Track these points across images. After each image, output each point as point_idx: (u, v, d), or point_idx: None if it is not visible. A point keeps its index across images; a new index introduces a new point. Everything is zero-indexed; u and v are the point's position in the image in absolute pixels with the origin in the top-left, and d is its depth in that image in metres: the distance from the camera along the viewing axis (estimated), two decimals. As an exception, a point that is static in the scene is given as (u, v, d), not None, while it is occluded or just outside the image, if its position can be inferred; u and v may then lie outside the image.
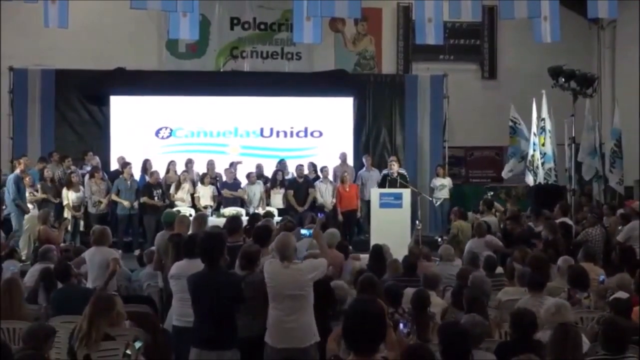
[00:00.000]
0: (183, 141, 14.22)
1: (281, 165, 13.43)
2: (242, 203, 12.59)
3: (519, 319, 4.79)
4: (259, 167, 13.54)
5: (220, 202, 12.53)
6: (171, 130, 14.19)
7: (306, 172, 13.21)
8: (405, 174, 12.40)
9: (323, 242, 6.09)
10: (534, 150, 12.97)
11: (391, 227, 10.58)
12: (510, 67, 15.58)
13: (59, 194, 11.95)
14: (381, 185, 12.06)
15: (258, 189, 12.75)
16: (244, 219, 9.38)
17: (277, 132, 14.47)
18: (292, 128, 14.51)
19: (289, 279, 5.16)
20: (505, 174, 14.19)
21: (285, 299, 5.13)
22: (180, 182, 12.44)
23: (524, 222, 10.51)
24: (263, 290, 5.31)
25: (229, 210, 11.82)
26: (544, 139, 13.01)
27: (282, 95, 14.37)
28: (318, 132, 14.57)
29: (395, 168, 11.96)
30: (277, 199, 12.77)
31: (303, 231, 6.64)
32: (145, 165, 13.02)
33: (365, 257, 8.34)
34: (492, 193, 12.09)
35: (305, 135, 14.57)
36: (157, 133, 14.15)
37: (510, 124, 13.94)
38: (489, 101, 15.44)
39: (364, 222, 13.15)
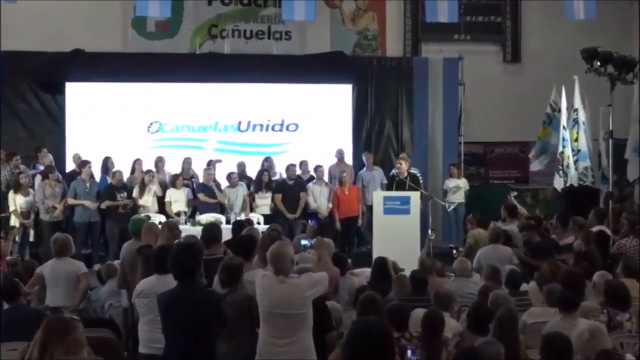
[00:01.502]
0: (153, 136, 14.24)
1: (267, 165, 13.43)
2: (221, 209, 12.59)
3: (552, 345, 4.78)
4: (241, 166, 13.53)
5: (195, 207, 12.52)
6: (141, 123, 14.19)
7: (298, 172, 13.22)
8: (418, 174, 12.41)
9: (325, 253, 6.10)
10: (564, 146, 12.97)
11: (397, 236, 10.58)
12: (537, 49, 15.64)
13: (4, 199, 11.91)
14: (388, 187, 12.08)
15: (241, 192, 12.74)
16: (224, 227, 9.36)
17: (263, 125, 14.49)
18: (280, 120, 14.53)
19: (285, 295, 5.15)
20: (534, 166, 14.06)
21: (280, 319, 5.12)
22: (144, 184, 12.37)
23: (546, 231, 10.52)
24: (248, 311, 5.30)
25: (207, 217, 11.80)
26: (577, 133, 13.03)
27: (268, 82, 14.37)
28: (311, 125, 14.57)
29: (404, 167, 11.93)
30: (263, 204, 12.76)
31: (303, 241, 6.64)
32: (107, 164, 12.98)
33: (366, 271, 8.32)
34: (515, 193, 12.08)
35: (296, 129, 14.58)
36: (123, 126, 14.11)
37: (548, 110, 13.61)
38: (512, 88, 15.50)
39: (365, 231, 13.15)
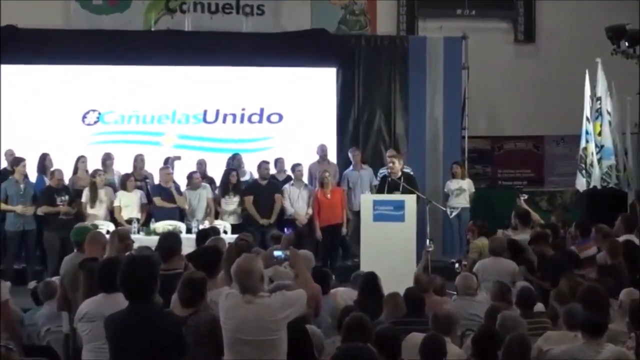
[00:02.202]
0: (101, 129, 14.19)
1: (235, 163, 13.42)
2: (181, 215, 12.57)
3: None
4: (203, 165, 13.52)
5: (150, 213, 12.49)
6: (92, 113, 14.15)
7: (272, 171, 13.22)
8: (412, 174, 12.45)
9: (303, 268, 6.08)
10: (587, 141, 13.06)
11: (390, 248, 10.58)
12: (554, 27, 15.74)
13: None
14: (380, 190, 12.10)
15: (204, 195, 12.72)
16: (184, 237, 9.33)
17: (230, 116, 14.51)
18: (251, 111, 14.54)
19: (253, 318, 5.14)
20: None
21: (247, 346, 5.11)
22: (95, 188, 12.31)
23: (563, 241, 10.55)
24: (212, 335, 5.27)
25: (163, 225, 11.77)
26: (600, 125, 13.12)
27: (236, 65, 14.38)
28: (287, 115, 14.60)
29: (397, 166, 11.95)
30: (231, 209, 12.74)
31: (277, 253, 6.63)
32: (44, 162, 12.92)
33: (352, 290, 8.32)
34: (525, 196, 12.14)
35: (270, 121, 14.61)
36: (63, 117, 14.04)
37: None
38: (525, 73, 15.58)
39: (351, 241, 13.17)
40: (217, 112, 14.48)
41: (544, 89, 14.64)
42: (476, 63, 14.94)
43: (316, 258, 10.92)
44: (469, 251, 10.58)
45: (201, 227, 11.36)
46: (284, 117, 14.61)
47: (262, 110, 14.59)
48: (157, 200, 12.55)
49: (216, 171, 13.52)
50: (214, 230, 9.98)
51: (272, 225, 12.43)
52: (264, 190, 12.80)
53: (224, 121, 14.52)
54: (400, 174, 11.86)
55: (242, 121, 14.55)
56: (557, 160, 15.84)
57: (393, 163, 11.97)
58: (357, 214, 12.32)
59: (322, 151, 13.89)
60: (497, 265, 9.17)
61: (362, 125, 14.98)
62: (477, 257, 9.98)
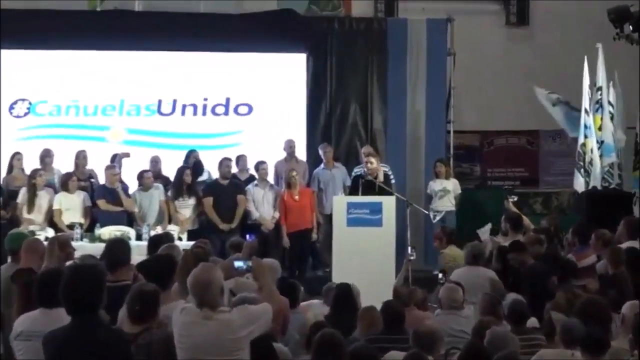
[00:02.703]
0: (33, 121, 14.12)
1: (192, 160, 13.39)
2: (130, 220, 12.54)
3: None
4: (157, 163, 13.47)
5: (95, 217, 12.44)
6: (22, 103, 14.05)
7: (234, 170, 13.21)
8: (390, 174, 12.50)
9: (268, 279, 6.09)
10: (586, 136, 13.13)
11: (365, 256, 10.62)
12: (549, 9, 15.82)
13: None
14: (352, 191, 12.12)
15: (156, 197, 12.68)
16: (134, 244, 9.30)
17: (189, 107, 14.50)
18: (214, 101, 14.55)
19: (212, 336, 5.15)
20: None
21: (205, 368, 5.13)
22: (34, 189, 12.22)
23: (560, 248, 10.60)
24: (166, 355, 5.27)
25: (110, 231, 11.72)
26: (601, 119, 13.19)
27: (194, 50, 14.41)
28: (250, 107, 14.63)
29: (373, 165, 12.00)
30: (187, 212, 12.71)
31: (238, 263, 6.62)
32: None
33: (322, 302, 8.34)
34: (514, 198, 12.21)
35: (238, 113, 14.64)
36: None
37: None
38: (518, 60, 15.68)
39: (322, 248, 13.20)
40: (174, 102, 14.46)
41: (539, 77, 14.70)
42: (463, 49, 15.00)
43: (283, 268, 10.93)
44: (441, 262, 10.57)
45: (153, 233, 11.32)
46: (253, 108, 14.63)
47: (227, 100, 14.60)
48: (103, 203, 12.49)
49: (173, 171, 13.38)
50: (167, 237, 9.94)
51: (234, 231, 12.42)
52: (224, 192, 12.79)
53: (183, 113, 14.50)
54: (377, 173, 11.92)
55: (204, 113, 14.56)
56: (554, 158, 15.94)
57: (371, 162, 12.01)
58: (329, 218, 12.39)
59: (290, 147, 13.88)
60: (471, 274, 9.20)
61: (334, 119, 15.00)
62: (447, 267, 10.04)
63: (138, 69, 14.40)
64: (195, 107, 14.55)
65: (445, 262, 10.33)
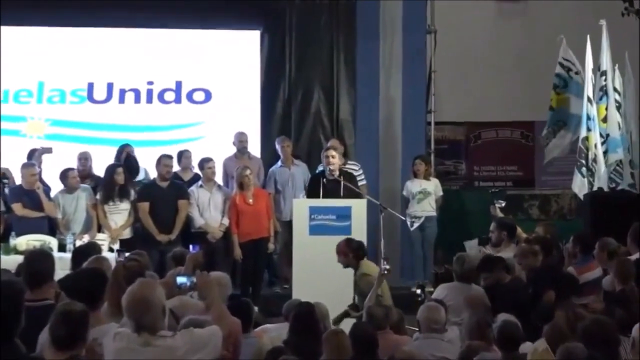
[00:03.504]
0: None
1: (124, 157, 13.37)
2: (51, 227, 12.49)
3: None
4: (85, 160, 13.40)
5: (9, 224, 12.38)
6: None
7: (175, 168, 13.20)
8: (360, 172, 12.52)
9: (216, 297, 6.09)
10: (589, 129, 13.18)
11: (331, 270, 10.60)
12: (547, -20, 15.95)
13: None
14: (311, 192, 12.14)
15: (83, 200, 12.63)
16: (57, 256, 9.25)
17: (130, 93, 14.48)
18: (162, 85, 14.55)
19: (153, 365, 5.17)
20: (551, 152, 14.05)
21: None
22: None
23: (560, 260, 10.66)
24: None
25: (28, 241, 11.65)
26: (606, 108, 13.25)
27: (131, 26, 14.44)
28: (208, 93, 14.69)
29: (336, 161, 12.02)
30: (119, 219, 12.67)
31: (180, 279, 6.62)
32: None
33: (282, 326, 8.34)
34: (502, 203, 12.26)
35: (193, 100, 14.67)
36: None
37: (559, 70, 13.82)
38: (510, 39, 15.78)
39: (281, 261, 13.21)
40: (109, 87, 14.42)
41: (535, 60, 14.82)
42: (445, 26, 15.10)
43: (234, 284, 10.92)
44: (360, 283, 10.45)
45: (78, 243, 11.27)
46: (212, 95, 14.68)
47: (178, 85, 14.63)
48: (19, 208, 12.40)
49: (99, 166, 13.40)
50: (95, 248, 9.92)
51: (175, 241, 12.39)
52: (163, 195, 12.73)
53: (122, 100, 14.47)
54: (338, 172, 11.93)
55: (149, 100, 14.58)
56: (552, 154, 16.04)
57: (332, 157, 12.01)
58: (289, 225, 12.40)
59: (241, 142, 13.81)
60: (462, 292, 9.27)
61: (294, 108, 15.05)
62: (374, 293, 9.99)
63: (62, 46, 14.32)
64: (137, 92, 14.55)
65: (366, 284, 10.20)
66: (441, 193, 14.05)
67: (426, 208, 13.84)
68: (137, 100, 14.54)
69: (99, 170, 13.35)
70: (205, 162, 13.07)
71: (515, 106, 15.69)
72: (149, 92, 14.55)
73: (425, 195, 13.86)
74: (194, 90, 14.71)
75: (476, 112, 15.92)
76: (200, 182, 13.01)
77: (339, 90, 15.12)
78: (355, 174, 12.63)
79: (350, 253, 10.21)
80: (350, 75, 15.07)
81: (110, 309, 6.24)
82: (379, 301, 9.77)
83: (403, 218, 13.40)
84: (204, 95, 14.71)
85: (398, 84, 14.98)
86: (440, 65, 15.18)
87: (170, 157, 13.01)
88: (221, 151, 13.81)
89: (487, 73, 15.56)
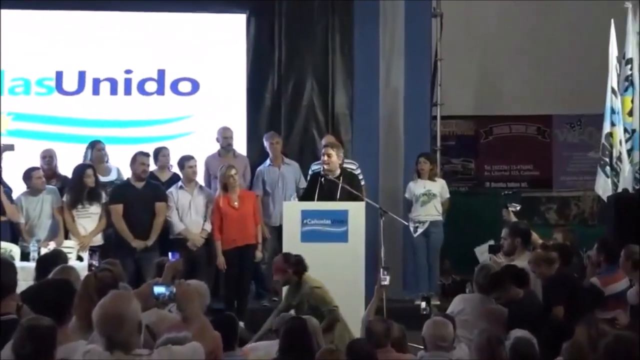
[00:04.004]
0: None
1: (96, 154, 13.36)
2: (13, 233, 12.50)
3: None
4: (51, 158, 13.38)
5: (-33, 230, 12.36)
6: None
7: (152, 167, 13.19)
8: (357, 170, 12.58)
9: (196, 310, 6.08)
10: (614, 123, 13.15)
11: (326, 281, 10.53)
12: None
13: None
14: (306, 195, 12.18)
15: (48, 203, 12.62)
16: (19, 265, 9.23)
17: (105, 83, 14.40)
18: (142, 74, 14.49)
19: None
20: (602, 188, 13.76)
21: None
22: None
23: (581, 270, 10.65)
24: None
25: (-12, 249, 11.66)
26: (632, 101, 13.22)
27: (106, 9, 14.37)
28: (195, 84, 14.64)
29: (333, 160, 12.03)
30: (89, 224, 12.66)
31: (158, 289, 6.62)
32: None
33: (271, 343, 8.34)
34: (517, 207, 12.27)
35: (179, 91, 14.62)
36: None
37: (622, 68, 13.43)
38: (524, 24, 15.79)
39: (269, 271, 13.13)
40: (82, 76, 14.33)
41: (553, 47, 14.82)
42: (453, 9, 15.09)
43: (217, 295, 10.94)
44: (310, 299, 10.43)
45: (44, 251, 11.24)
46: (200, 85, 14.64)
47: (161, 74, 14.55)
48: (-24, 212, 12.43)
49: (66, 166, 13.34)
50: (62, 256, 9.92)
51: (152, 248, 12.40)
52: (138, 196, 12.71)
53: (96, 91, 14.38)
54: (339, 171, 11.95)
55: (128, 91, 14.48)
56: (572, 152, 16.09)
57: (329, 155, 12.03)
58: (278, 230, 12.40)
59: (225, 138, 13.81)
60: (482, 306, 9.28)
61: (284, 100, 15.02)
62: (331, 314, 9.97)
63: (27, 30, 14.23)
64: (113, 82, 14.44)
65: (320, 298, 10.19)
66: (448, 195, 14.01)
67: (431, 212, 13.80)
68: (114, 91, 14.44)
69: (66, 170, 13.29)
70: (185, 161, 13.02)
71: (531, 98, 15.71)
72: (127, 82, 14.46)
73: (430, 197, 13.83)
74: (179, 80, 14.63)
75: (487, 104, 15.96)
76: (180, 183, 12.98)
77: (335, 80, 15.09)
78: (353, 173, 12.66)
79: (290, 269, 10.27)
80: (347, 63, 15.03)
81: (79, 324, 6.24)
82: (378, 315, 9.81)
83: (405, 223, 13.32)
84: (190, 86, 14.63)
85: (400, 73, 14.97)
86: (447, 52, 15.15)
87: (147, 154, 12.96)
88: (212, 149, 13.80)
89: (499, 61, 15.58)
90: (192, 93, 14.68)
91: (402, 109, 14.94)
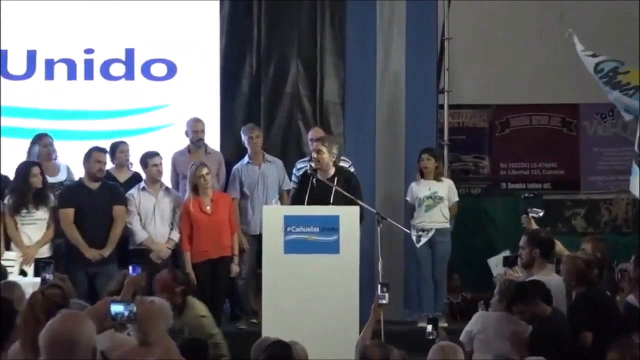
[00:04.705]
0: None
1: (41, 151, 13.37)
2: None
3: None
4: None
5: None
6: None
7: (109, 165, 13.20)
8: (350, 169, 12.60)
9: (161, 331, 6.09)
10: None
11: (314, 299, 10.73)
12: None
13: None
14: (296, 198, 12.25)
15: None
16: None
17: (60, 65, 14.41)
18: (106, 54, 14.47)
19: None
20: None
21: None
22: None
23: (614, 286, 10.66)
24: None
25: None
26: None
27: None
28: (171, 66, 14.64)
29: (325, 157, 12.06)
30: (34, 232, 12.65)
31: (116, 308, 6.60)
32: None
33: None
34: (540, 213, 12.26)
35: (136, 74, 14.58)
36: None
37: None
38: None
39: (247, 287, 13.26)
40: (31, 56, 14.34)
41: (580, 24, 14.83)
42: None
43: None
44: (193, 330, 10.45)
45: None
46: (177, 68, 14.62)
47: (130, 54, 14.52)
48: None
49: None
50: (1, 271, 9.93)
51: (109, 259, 12.41)
52: (93, 199, 12.73)
53: (49, 75, 14.37)
54: (333, 171, 11.97)
55: (89, 75, 14.45)
56: (603, 146, 16.10)
57: (319, 151, 12.04)
58: (258, 239, 12.38)
59: (195, 132, 13.81)
60: (509, 327, 9.29)
61: (265, 86, 15.03)
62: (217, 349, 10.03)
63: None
64: (71, 64, 14.43)
65: (203, 329, 10.25)
66: (457, 198, 14.09)
67: (437, 218, 13.83)
68: (72, 75, 14.42)
69: (8, 168, 13.31)
70: (148, 158, 13.04)
71: (555, 84, 15.75)
72: (88, 64, 14.43)
73: (435, 201, 13.86)
74: (152, 61, 14.62)
75: (503, 91, 15.98)
76: (142, 184, 13.00)
77: (324, 63, 15.14)
78: (345, 173, 12.67)
79: (178, 287, 10.40)
80: (339, 43, 15.08)
81: (24, 350, 6.22)
82: (375, 339, 9.81)
83: (407, 231, 13.34)
84: (165, 69, 14.62)
85: (401, 55, 15.00)
86: (456, 30, 15.22)
87: (103, 150, 12.96)
88: (158, 140, 13.91)
89: (518, 40, 15.59)
90: (168, 77, 14.67)
91: (403, 97, 14.96)
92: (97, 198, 12.73)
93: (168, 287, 10.25)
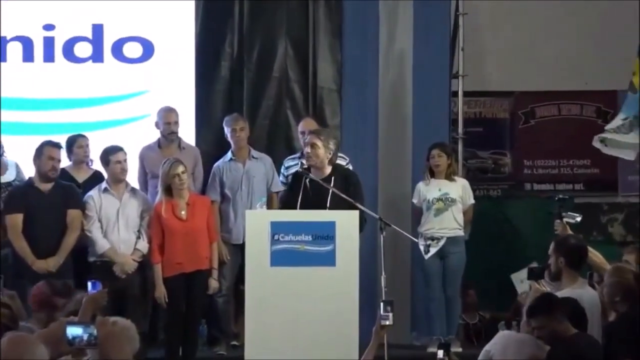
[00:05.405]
0: None
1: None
2: None
3: None
4: None
5: None
6: None
7: (65, 163, 13.23)
8: (348, 167, 12.65)
9: (127, 356, 6.17)
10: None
11: (306, 319, 10.76)
12: None
13: None
14: (288, 201, 12.26)
15: None
16: None
17: (14, 44, 14.42)
18: (55, 31, 14.46)
19: None
20: (619, 151, 14.23)
21: None
22: None
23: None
24: None
25: None
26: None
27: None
28: (128, 44, 14.67)
29: (320, 152, 12.04)
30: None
31: (73, 330, 6.61)
32: None
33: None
34: (578, 217, 12.28)
35: (106, 55, 14.58)
36: None
37: None
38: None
39: (227, 306, 13.29)
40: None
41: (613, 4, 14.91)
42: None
43: (155, 339, 10.92)
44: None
45: None
46: (154, 48, 14.66)
47: (98, 31, 14.54)
48: None
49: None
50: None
51: (62, 272, 12.40)
52: (45, 202, 12.76)
53: (1, 57, 14.31)
54: (329, 169, 12.03)
55: (49, 57, 14.49)
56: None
57: (313, 146, 12.06)
58: (241, 250, 12.37)
59: (167, 124, 13.84)
60: (526, 346, 9.30)
61: (247, 70, 15.08)
62: None
63: None
64: (27, 43, 14.48)
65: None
66: (472, 201, 14.16)
67: (449, 224, 13.89)
68: (28, 56, 14.46)
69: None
70: (110, 154, 13.03)
71: (588, 68, 15.77)
72: (48, 43, 14.47)
73: (447, 204, 13.92)
74: (125, 40, 14.65)
75: (527, 77, 16.00)
76: (104, 185, 13.00)
77: (317, 43, 15.19)
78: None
79: (59, 300, 10.16)
80: (334, 20, 15.14)
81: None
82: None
83: (415, 240, 13.35)
84: (141, 49, 14.65)
85: (408, 33, 15.09)
86: (472, 5, 15.28)
87: (57, 145, 12.97)
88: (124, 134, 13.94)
89: (544, 18, 15.62)
90: (145, 59, 14.71)
91: (410, 83, 15.06)
92: (50, 201, 12.78)
93: (45, 301, 10.12)
